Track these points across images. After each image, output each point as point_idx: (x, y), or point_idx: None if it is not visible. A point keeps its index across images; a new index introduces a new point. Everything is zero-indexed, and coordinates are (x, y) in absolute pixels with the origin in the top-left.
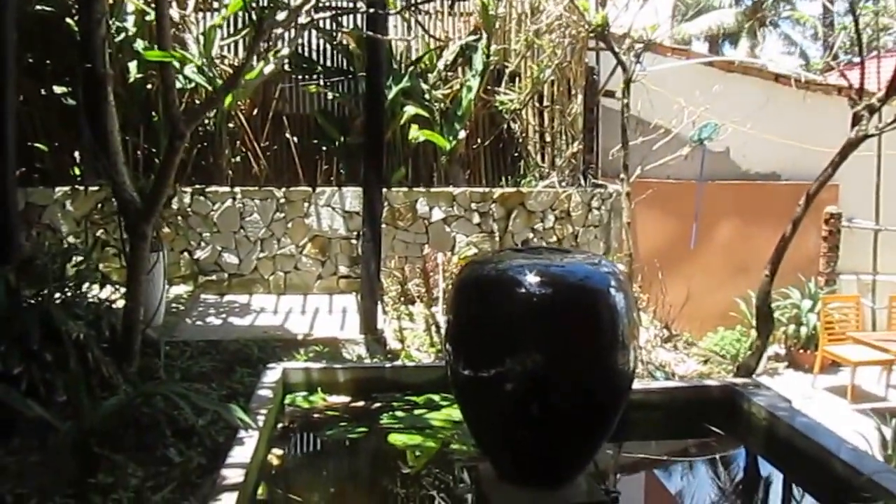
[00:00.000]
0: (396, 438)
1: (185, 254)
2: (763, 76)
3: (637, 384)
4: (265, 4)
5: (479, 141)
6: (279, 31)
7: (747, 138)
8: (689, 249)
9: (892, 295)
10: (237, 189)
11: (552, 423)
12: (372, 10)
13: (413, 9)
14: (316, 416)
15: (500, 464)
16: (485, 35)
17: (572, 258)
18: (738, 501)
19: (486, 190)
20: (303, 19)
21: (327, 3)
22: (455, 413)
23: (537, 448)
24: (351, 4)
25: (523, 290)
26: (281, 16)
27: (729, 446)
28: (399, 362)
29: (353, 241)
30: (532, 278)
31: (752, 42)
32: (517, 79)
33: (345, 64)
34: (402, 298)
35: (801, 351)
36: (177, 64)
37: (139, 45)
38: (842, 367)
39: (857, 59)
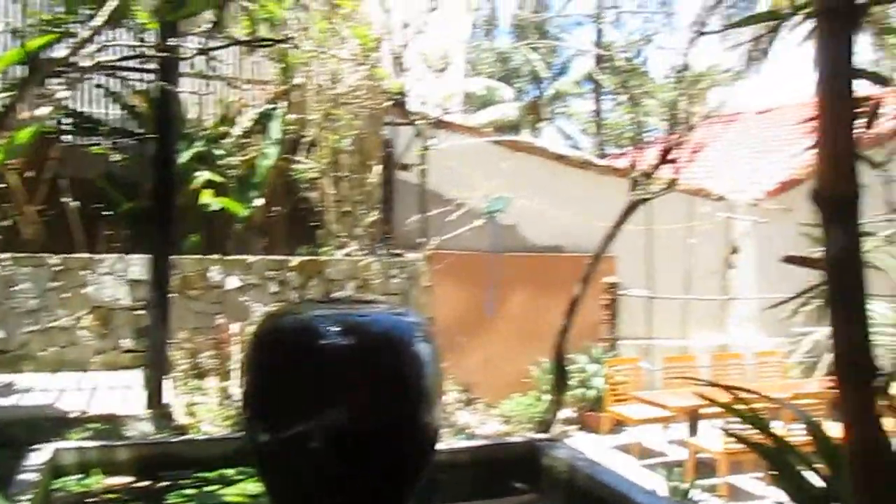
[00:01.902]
0: None
1: None
2: (546, 156)
3: (442, 445)
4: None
5: (276, 209)
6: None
7: (533, 212)
8: (484, 317)
9: (665, 357)
10: (4, 255)
11: (358, 484)
12: (163, 55)
13: (208, 63)
14: (91, 500)
15: None
16: (283, 103)
17: (376, 308)
18: None
19: (284, 258)
20: (86, 62)
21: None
22: (251, 487)
23: None
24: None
25: (326, 342)
26: (61, 52)
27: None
28: (188, 436)
29: (139, 312)
30: (335, 328)
31: (532, 133)
32: (315, 148)
33: (135, 126)
34: (193, 372)
35: (590, 413)
36: None
37: None
38: (627, 426)
39: (621, 150)
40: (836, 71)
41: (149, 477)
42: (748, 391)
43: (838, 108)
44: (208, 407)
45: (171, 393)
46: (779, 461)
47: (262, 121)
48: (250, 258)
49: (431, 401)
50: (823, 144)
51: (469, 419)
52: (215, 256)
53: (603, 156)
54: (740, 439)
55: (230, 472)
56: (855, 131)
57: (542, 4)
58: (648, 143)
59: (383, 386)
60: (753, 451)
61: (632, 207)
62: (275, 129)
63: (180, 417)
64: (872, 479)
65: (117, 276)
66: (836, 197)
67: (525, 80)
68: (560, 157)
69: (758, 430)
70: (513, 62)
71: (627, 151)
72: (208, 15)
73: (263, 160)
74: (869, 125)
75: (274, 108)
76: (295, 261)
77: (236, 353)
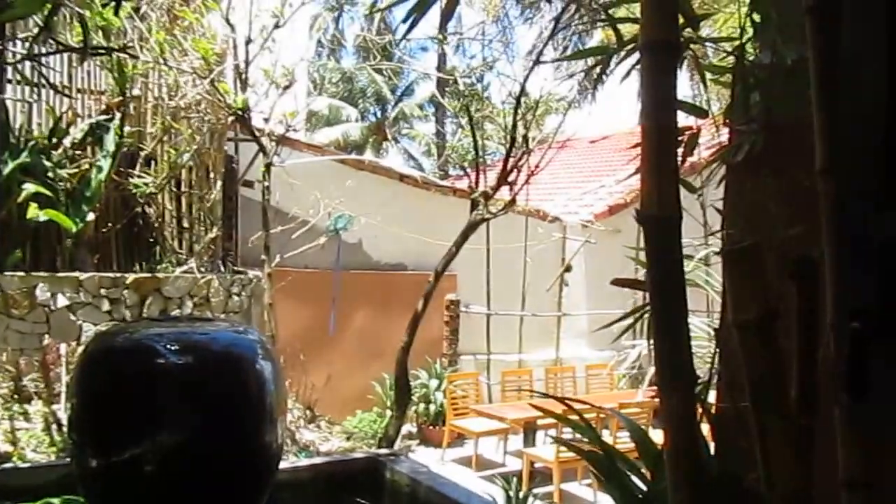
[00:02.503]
0: None
1: None
2: (390, 175)
3: (284, 463)
4: None
5: (110, 224)
6: None
7: (377, 231)
8: (327, 335)
9: (503, 371)
10: None
11: None
12: None
13: (35, 70)
14: None
15: None
16: (118, 115)
17: (216, 326)
18: None
19: (118, 275)
20: None
21: None
22: None
23: None
24: None
25: (161, 360)
26: None
27: None
28: (9, 465)
29: None
30: (171, 347)
31: (376, 154)
32: (153, 162)
33: None
34: (16, 396)
35: (431, 427)
36: None
37: None
38: (467, 439)
39: (464, 171)
40: (659, 102)
41: None
42: (580, 402)
43: (662, 135)
44: (32, 433)
45: None
46: (607, 467)
47: (96, 132)
48: (81, 275)
49: (273, 419)
50: (648, 169)
51: (312, 436)
52: (43, 273)
53: (445, 177)
54: (572, 448)
55: (56, 501)
56: (675, 158)
57: (386, 26)
58: (488, 166)
59: (223, 405)
60: (584, 458)
61: (472, 227)
62: (109, 142)
63: (1, 445)
64: (688, 481)
65: None
66: (659, 218)
67: (369, 100)
68: (403, 177)
69: (588, 439)
70: (357, 83)
71: (468, 173)
72: (37, 19)
73: (96, 173)
74: (687, 154)
75: (109, 120)
76: (130, 278)
77: (64, 376)
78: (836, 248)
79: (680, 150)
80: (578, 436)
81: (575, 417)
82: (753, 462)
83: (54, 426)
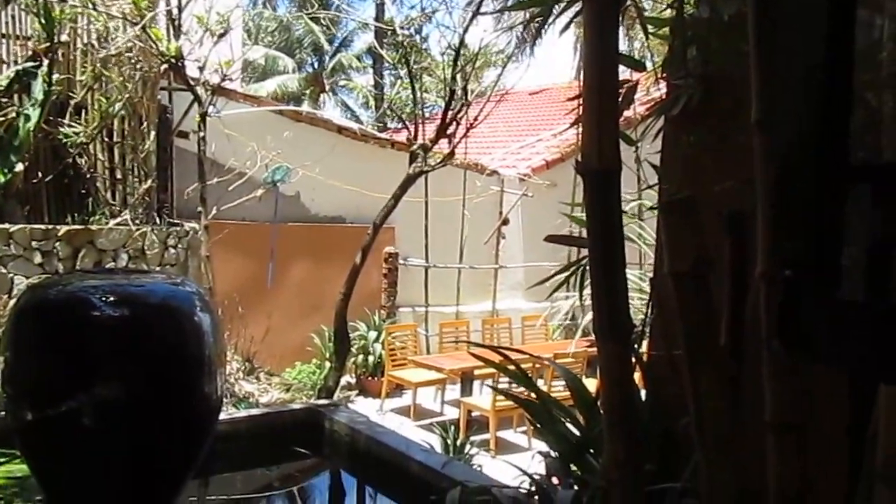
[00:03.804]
0: None
1: None
2: (328, 127)
3: (223, 415)
4: None
5: (40, 175)
6: None
7: (316, 183)
8: (266, 288)
9: (441, 322)
10: None
11: (134, 460)
12: None
13: None
14: None
15: None
16: (46, 61)
17: (152, 278)
18: None
19: (50, 227)
20: None
21: None
22: (16, 468)
23: (119, 489)
24: None
25: (97, 313)
26: None
27: (314, 468)
28: None
29: None
30: (107, 299)
31: (314, 106)
32: (84, 111)
33: None
34: None
35: (370, 378)
36: None
37: None
38: (405, 389)
39: (402, 124)
40: (601, 55)
41: None
42: (516, 352)
43: (604, 89)
44: None
45: None
46: (542, 415)
47: (23, 79)
48: (11, 227)
49: (212, 371)
50: (588, 123)
51: (251, 388)
52: None
53: (384, 129)
54: (509, 396)
55: None
56: (616, 111)
57: None
58: (427, 119)
59: (160, 358)
60: (520, 406)
61: (410, 180)
62: (37, 89)
63: None
64: (624, 428)
65: None
66: (599, 171)
67: (307, 51)
68: (342, 129)
69: (524, 388)
70: (295, 32)
71: (407, 126)
72: None
73: (24, 122)
74: (625, 107)
75: (36, 67)
76: (62, 230)
77: None
78: (769, 200)
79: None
80: (515, 385)
81: (511, 367)
82: (685, 408)
83: None
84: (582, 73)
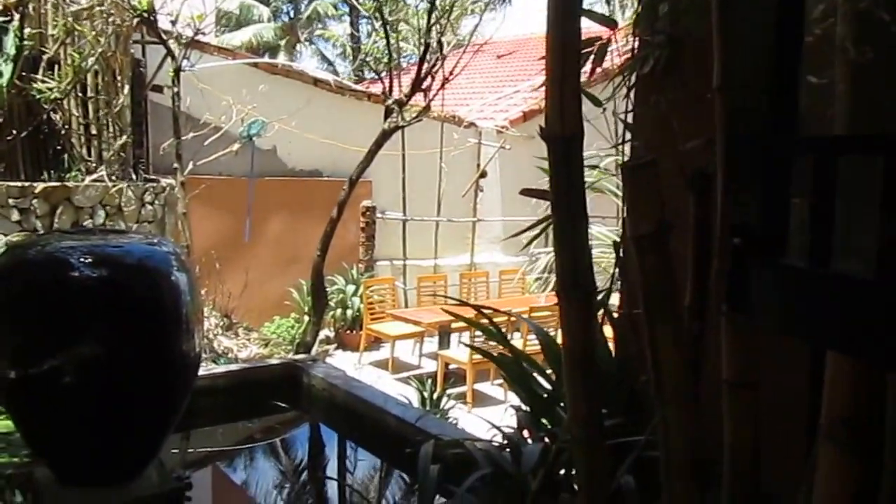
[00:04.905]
0: None
1: None
2: (304, 80)
3: (202, 370)
4: None
5: (14, 132)
6: None
7: (292, 137)
8: (243, 243)
9: (419, 276)
10: None
11: (116, 416)
12: None
13: None
14: None
15: (59, 466)
16: (17, 16)
17: (129, 238)
18: (305, 474)
19: (26, 184)
20: None
21: None
22: (1, 424)
23: (100, 444)
24: None
25: (76, 274)
26: None
27: (294, 421)
28: None
29: None
30: (85, 260)
31: (289, 56)
32: (57, 66)
33: None
34: None
35: (349, 332)
36: None
37: None
38: (383, 342)
39: (378, 76)
40: (562, 17)
41: None
42: (491, 309)
43: (566, 51)
44: None
45: None
46: (513, 370)
47: None
48: None
49: (190, 328)
50: (551, 87)
51: (230, 344)
52: None
53: (360, 81)
54: (481, 352)
55: None
56: (581, 72)
57: None
58: (404, 69)
59: (139, 317)
60: (493, 362)
61: (386, 135)
62: (9, 44)
63: None
64: (586, 385)
65: None
66: (562, 137)
67: None
68: (318, 81)
69: (498, 342)
70: None
71: (382, 79)
72: None
73: None
74: (598, 63)
75: (7, 21)
76: (39, 187)
77: None
78: (726, 164)
79: (589, 61)
80: (490, 339)
81: (486, 322)
82: (646, 365)
83: None
84: (546, 31)
